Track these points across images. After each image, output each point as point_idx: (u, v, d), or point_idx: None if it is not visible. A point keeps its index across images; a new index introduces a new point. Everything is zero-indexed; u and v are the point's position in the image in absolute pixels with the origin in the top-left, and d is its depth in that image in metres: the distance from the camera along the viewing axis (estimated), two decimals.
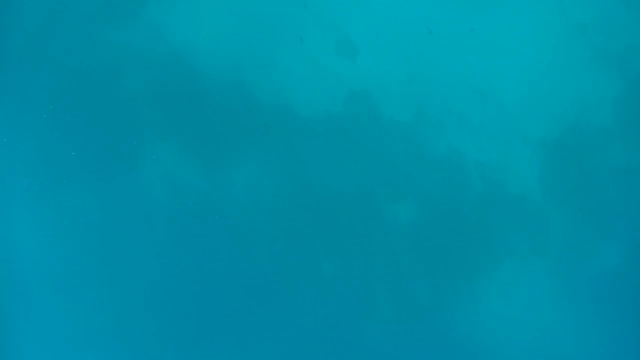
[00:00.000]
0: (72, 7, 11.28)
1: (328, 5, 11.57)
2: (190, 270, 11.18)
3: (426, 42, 11.46)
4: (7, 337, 10.67)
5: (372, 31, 11.47)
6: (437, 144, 11.53)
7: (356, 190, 11.42)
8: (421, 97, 11.50)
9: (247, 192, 11.36)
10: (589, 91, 11.34)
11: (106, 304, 10.98)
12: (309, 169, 11.45)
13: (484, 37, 11.36)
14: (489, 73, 11.45)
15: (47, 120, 11.09)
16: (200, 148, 11.40)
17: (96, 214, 11.03)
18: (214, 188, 11.33)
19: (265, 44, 11.57)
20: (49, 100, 11.09)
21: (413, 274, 11.43)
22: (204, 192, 11.31)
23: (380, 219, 11.42)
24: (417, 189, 11.48)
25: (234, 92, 11.49)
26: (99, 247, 11.06)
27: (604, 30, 11.33)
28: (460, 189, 11.48)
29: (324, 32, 11.57)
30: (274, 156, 11.46)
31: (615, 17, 11.26)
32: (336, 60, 11.56)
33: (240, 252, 11.28)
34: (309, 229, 11.38)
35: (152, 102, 11.37)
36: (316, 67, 11.57)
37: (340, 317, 11.28)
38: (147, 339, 10.89)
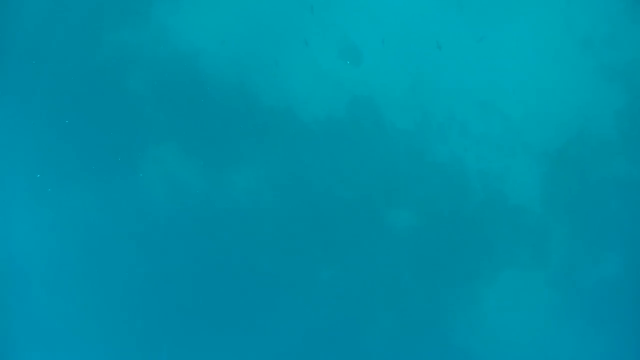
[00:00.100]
0: (75, 7, 11.34)
1: (334, 10, 11.60)
2: (188, 271, 11.18)
3: (431, 50, 11.49)
4: (6, 337, 10.72)
5: (377, 37, 11.49)
6: (439, 152, 11.53)
7: (356, 195, 11.42)
8: (424, 105, 11.51)
9: (247, 195, 11.38)
10: (592, 103, 11.35)
11: (104, 304, 11.01)
12: (309, 173, 11.46)
13: (489, 47, 11.39)
14: (494, 83, 11.46)
15: (48, 120, 11.14)
16: (201, 150, 11.42)
17: (96, 213, 11.07)
18: (214, 190, 11.35)
19: (269, 47, 11.60)
20: (52, 101, 11.15)
21: (412, 281, 11.41)
22: (204, 193, 11.33)
23: (380, 225, 11.43)
24: (418, 196, 11.48)
25: (236, 95, 11.53)
26: (98, 247, 11.07)
27: (609, 44, 11.35)
28: (461, 197, 11.48)
29: (329, 37, 11.60)
30: (275, 159, 11.47)
31: (620, 32, 11.27)
32: (340, 65, 11.60)
33: (238, 255, 11.28)
34: (308, 233, 11.38)
35: (154, 103, 11.40)
36: (320, 71, 11.61)
37: (338, 324, 11.27)
38: (143, 339, 10.92)
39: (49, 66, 11.20)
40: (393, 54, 11.54)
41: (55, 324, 10.77)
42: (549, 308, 11.50)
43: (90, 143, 11.18)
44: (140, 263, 11.13)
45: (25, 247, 11.00)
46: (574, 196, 11.48)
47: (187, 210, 11.26)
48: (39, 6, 11.27)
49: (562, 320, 11.49)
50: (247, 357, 11.01)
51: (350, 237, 11.39)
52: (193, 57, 11.52)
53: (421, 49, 11.51)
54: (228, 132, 11.45)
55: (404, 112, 11.50)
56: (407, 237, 11.44)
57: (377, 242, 11.39)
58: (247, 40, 11.56)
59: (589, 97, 11.36)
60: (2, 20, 11.25)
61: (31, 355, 10.63)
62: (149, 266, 11.12)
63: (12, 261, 10.89)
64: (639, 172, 11.41)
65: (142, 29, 11.48)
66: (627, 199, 11.42)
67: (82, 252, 11.07)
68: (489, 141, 11.55)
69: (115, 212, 11.13)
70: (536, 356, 11.24)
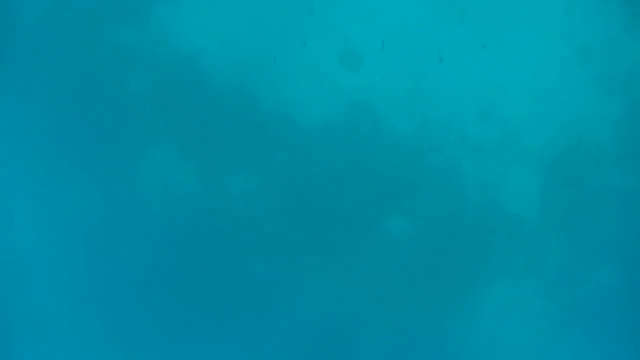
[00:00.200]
0: (73, 6, 11.35)
1: (335, 14, 11.63)
2: (183, 274, 11.21)
3: (431, 56, 11.52)
4: (5, 336, 10.72)
5: (377, 42, 11.53)
6: (436, 159, 11.55)
7: (353, 201, 11.43)
8: (423, 111, 11.53)
9: (243, 199, 11.39)
10: (591, 113, 11.39)
11: (97, 304, 11.03)
12: (306, 177, 11.46)
13: (489, 55, 11.43)
14: (492, 90, 11.49)
15: (45, 119, 11.16)
16: (198, 151, 11.43)
17: (92, 213, 11.10)
18: (210, 192, 11.35)
19: (269, 49, 11.60)
20: (49, 100, 11.17)
21: (407, 288, 11.42)
22: (200, 195, 11.34)
23: (376, 231, 11.43)
24: (415, 203, 11.49)
25: (235, 97, 11.52)
26: (94, 247, 11.11)
27: (608, 55, 11.40)
28: (458, 204, 11.49)
29: (329, 41, 11.62)
30: (272, 163, 11.47)
31: (619, 43, 11.34)
32: (339, 69, 11.60)
33: (233, 259, 11.29)
34: (304, 238, 11.38)
35: (152, 104, 11.42)
36: (319, 75, 11.60)
37: (333, 330, 11.28)
38: (136, 341, 10.92)
39: (45, 66, 11.22)
40: (393, 59, 11.56)
41: (53, 324, 10.84)
42: (544, 317, 11.51)
43: (87, 143, 11.20)
44: (134, 265, 11.14)
45: (20, 246, 11.00)
46: (571, 205, 11.49)
47: (183, 212, 11.28)
48: (37, 6, 11.28)
49: (558, 329, 11.49)
50: None
51: (347, 242, 11.39)
52: (192, 58, 11.53)
53: (421, 55, 11.55)
54: (225, 135, 11.46)
55: (403, 117, 11.52)
56: (403, 244, 11.45)
57: (373, 248, 11.39)
58: (247, 42, 11.57)
59: (587, 107, 11.40)
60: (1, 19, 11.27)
61: (30, 354, 10.64)
62: (143, 268, 11.13)
63: (7, 261, 10.89)
64: (636, 182, 11.44)
65: (142, 29, 11.49)
66: (624, 209, 11.44)
67: (77, 251, 11.09)
68: (487, 149, 11.57)
69: (111, 212, 11.16)
70: None
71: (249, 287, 11.26)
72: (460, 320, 11.46)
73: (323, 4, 11.55)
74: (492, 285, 11.48)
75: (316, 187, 11.42)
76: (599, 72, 11.37)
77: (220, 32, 11.59)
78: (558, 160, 11.46)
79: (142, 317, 11.07)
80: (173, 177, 11.35)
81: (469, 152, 11.56)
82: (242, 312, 11.21)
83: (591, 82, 11.41)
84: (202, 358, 11.19)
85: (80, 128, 11.18)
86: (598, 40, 11.33)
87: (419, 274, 11.46)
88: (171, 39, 11.54)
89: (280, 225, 11.34)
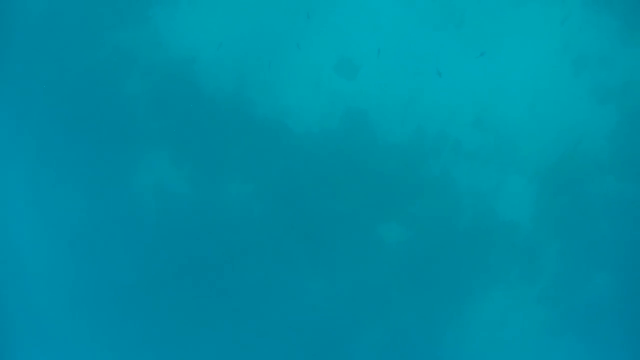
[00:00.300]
0: (70, 10, 11.34)
1: (330, 22, 11.66)
2: (177, 280, 11.19)
3: (427, 65, 11.56)
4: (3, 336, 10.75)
5: (373, 50, 11.56)
6: (431, 167, 11.58)
7: (347, 208, 11.42)
8: (418, 119, 11.56)
9: (238, 205, 11.38)
10: (585, 123, 11.44)
11: (94, 308, 11.02)
12: (300, 184, 11.46)
13: (484, 64, 11.48)
14: (488, 99, 11.53)
15: (41, 122, 11.15)
16: (193, 158, 11.42)
17: (86, 217, 11.09)
18: (204, 199, 11.34)
19: (264, 56, 11.60)
20: (44, 104, 11.16)
21: (401, 296, 11.40)
22: (194, 202, 11.33)
23: (370, 239, 11.43)
24: (409, 211, 11.50)
25: (230, 103, 11.52)
26: (88, 251, 11.10)
27: (603, 65, 11.46)
28: (453, 212, 11.50)
29: (325, 49, 11.65)
30: (266, 170, 11.47)
31: (614, 53, 11.40)
32: (335, 76, 11.62)
33: (227, 265, 11.28)
34: (298, 245, 11.37)
35: (147, 109, 11.41)
36: (314, 82, 11.63)
37: (326, 337, 11.26)
38: (134, 341, 10.92)
39: (41, 69, 11.21)
40: (388, 68, 11.59)
41: (51, 324, 10.83)
42: (538, 325, 11.52)
43: (82, 147, 11.18)
44: (129, 268, 11.13)
45: (16, 249, 10.99)
46: (566, 213, 11.52)
47: (177, 217, 11.27)
48: (33, 9, 11.28)
49: (552, 337, 11.50)
50: None
51: (341, 250, 11.38)
52: (188, 64, 11.54)
53: (417, 64, 11.59)
54: (220, 140, 11.46)
55: (398, 125, 11.54)
56: (398, 252, 11.45)
57: (367, 256, 11.39)
58: (243, 48, 11.58)
59: (582, 116, 11.45)
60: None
61: (29, 353, 10.66)
62: (138, 271, 11.12)
63: (5, 262, 10.89)
64: (630, 191, 11.48)
65: (138, 34, 11.50)
66: (618, 218, 11.47)
67: (72, 254, 11.07)
68: (482, 157, 11.60)
69: (105, 216, 11.14)
70: None
71: (243, 292, 11.25)
72: (456, 327, 11.46)
73: (319, 12, 11.59)
74: (488, 292, 11.49)
75: (311, 193, 11.43)
76: (594, 81, 11.42)
77: (216, 38, 11.60)
78: (553, 168, 11.49)
79: (138, 319, 11.06)
80: (167, 181, 11.35)
81: (464, 159, 11.58)
82: (236, 315, 11.20)
83: (586, 92, 11.46)
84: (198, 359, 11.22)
85: (75, 132, 11.17)
86: (593, 51, 11.38)
87: (413, 281, 11.46)
88: (167, 44, 11.55)
89: (274, 231, 11.34)
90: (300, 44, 11.52)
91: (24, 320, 10.91)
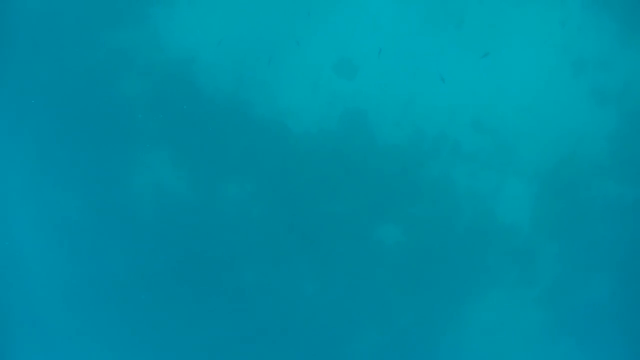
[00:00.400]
0: (72, 9, 11.31)
1: (330, 23, 11.65)
2: (174, 280, 11.17)
3: (426, 67, 11.56)
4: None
5: (372, 51, 11.55)
6: (430, 168, 11.56)
7: (346, 209, 11.40)
8: (417, 121, 11.56)
9: (235, 206, 11.36)
10: (585, 126, 11.46)
11: (91, 308, 11.00)
12: (299, 185, 11.43)
13: (484, 66, 11.49)
14: (487, 101, 11.54)
15: (39, 122, 11.13)
16: (191, 158, 11.40)
17: (85, 218, 11.07)
18: (202, 199, 11.32)
19: (263, 56, 11.58)
20: (43, 104, 11.14)
21: (399, 297, 11.38)
22: (192, 202, 11.30)
23: (368, 241, 11.41)
24: (407, 212, 11.48)
25: (229, 103, 11.50)
26: (85, 250, 11.08)
27: (603, 67, 11.49)
28: (451, 214, 11.49)
29: (324, 49, 11.64)
30: (265, 171, 11.44)
31: (613, 56, 11.43)
32: (334, 77, 11.61)
33: (224, 266, 11.26)
34: (295, 246, 11.35)
35: (146, 109, 11.38)
36: (313, 83, 11.62)
37: (324, 340, 11.25)
38: (131, 341, 10.91)
39: (40, 69, 11.19)
40: (388, 69, 11.59)
41: (50, 324, 10.84)
42: (536, 328, 11.52)
43: (81, 146, 11.15)
44: (127, 268, 11.11)
45: (15, 248, 10.97)
46: (564, 217, 11.53)
47: (175, 218, 11.24)
48: (32, 9, 11.24)
49: (550, 339, 11.51)
50: None
51: (339, 251, 11.36)
52: (187, 64, 11.51)
53: (416, 66, 11.59)
54: (219, 141, 11.44)
55: (397, 127, 11.53)
56: (396, 253, 11.42)
57: (365, 257, 11.36)
58: (242, 48, 11.57)
59: (581, 119, 11.46)
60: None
61: (29, 353, 10.65)
62: (136, 271, 11.10)
63: (4, 262, 10.88)
64: (629, 195, 11.49)
65: (137, 34, 11.47)
66: (616, 222, 11.48)
67: (70, 254, 11.06)
68: (481, 159, 11.60)
69: (104, 216, 11.12)
70: None
71: (241, 292, 11.23)
72: (454, 329, 11.45)
73: (318, 13, 11.59)
74: (486, 294, 11.48)
75: (309, 194, 11.41)
76: (593, 84, 11.44)
77: (215, 38, 11.59)
78: (552, 171, 11.50)
79: (136, 317, 11.03)
80: (166, 181, 11.33)
81: (463, 161, 11.57)
82: (233, 315, 11.18)
83: (585, 94, 11.47)
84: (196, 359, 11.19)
85: (73, 132, 11.14)
86: (592, 53, 11.40)
87: (411, 282, 11.44)
88: (166, 44, 11.54)
89: (272, 232, 11.32)
90: (300, 43, 11.50)
91: (23, 319, 10.93)
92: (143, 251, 11.11)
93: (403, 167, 11.51)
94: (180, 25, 11.57)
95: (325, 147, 11.46)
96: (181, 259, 11.17)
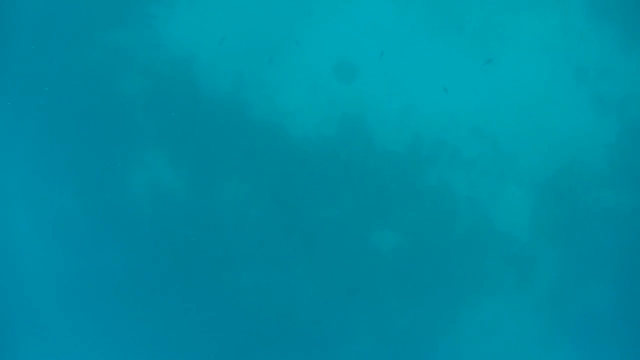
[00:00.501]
0: (71, 8, 11.27)
1: (331, 27, 11.64)
2: (171, 280, 11.17)
3: (426, 73, 11.54)
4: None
5: (372, 56, 11.52)
6: (428, 175, 11.55)
7: (343, 214, 11.38)
8: (416, 128, 11.54)
9: (233, 208, 11.35)
10: (584, 135, 11.44)
11: (89, 307, 11.01)
12: (296, 188, 11.42)
13: (484, 74, 11.47)
14: (486, 109, 11.53)
15: (38, 121, 11.12)
16: (189, 159, 11.38)
17: (83, 217, 11.06)
18: (199, 200, 11.31)
19: (263, 58, 11.55)
20: (41, 103, 11.11)
21: (396, 303, 11.37)
22: (190, 204, 11.29)
23: (365, 246, 11.39)
24: (405, 218, 11.46)
25: (228, 105, 11.47)
26: (84, 250, 11.08)
27: (603, 77, 11.47)
28: (449, 221, 11.47)
29: (323, 52, 11.61)
30: (263, 173, 11.43)
31: (614, 65, 11.41)
32: (333, 81, 11.59)
33: (221, 268, 11.25)
34: (292, 249, 11.33)
35: (146, 109, 11.36)
36: (312, 86, 11.60)
37: (321, 343, 11.24)
38: (128, 341, 10.92)
39: (39, 68, 11.17)
40: (387, 74, 11.56)
41: (48, 323, 10.86)
42: (533, 334, 11.52)
43: (79, 145, 11.15)
44: (125, 268, 11.10)
45: (13, 247, 10.97)
46: (562, 225, 11.52)
47: (173, 219, 11.23)
48: (31, 9, 11.21)
49: (547, 346, 11.51)
50: None
51: (335, 256, 11.35)
52: (187, 63, 11.48)
53: (416, 71, 11.56)
54: (217, 142, 11.42)
55: (395, 133, 11.52)
56: (392, 259, 11.41)
57: (361, 262, 11.35)
58: (242, 49, 11.54)
59: (581, 128, 11.44)
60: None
61: (29, 353, 10.67)
62: (134, 271, 11.10)
63: (3, 262, 10.90)
64: (626, 204, 11.48)
65: (136, 34, 11.45)
66: (613, 230, 11.48)
67: (68, 253, 11.07)
68: (480, 166, 11.58)
69: (102, 215, 11.12)
70: None
71: (237, 293, 11.22)
72: (450, 335, 11.43)
73: (320, 14, 11.56)
74: (483, 300, 11.47)
75: (307, 198, 11.39)
76: (594, 92, 11.42)
77: (215, 38, 11.56)
78: (551, 179, 11.48)
79: (133, 317, 11.03)
80: (164, 182, 11.31)
81: (462, 168, 11.55)
82: (230, 316, 11.17)
83: (586, 102, 11.45)
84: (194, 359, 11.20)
85: (72, 131, 11.13)
86: (594, 61, 11.38)
87: (408, 288, 11.42)
88: (166, 43, 11.51)
89: (269, 234, 11.30)
90: (299, 44, 11.47)
91: (20, 317, 10.93)
92: (141, 251, 11.11)
93: (401, 172, 11.49)
94: (180, 25, 11.55)
95: (323, 151, 11.44)
96: (179, 259, 11.16)
